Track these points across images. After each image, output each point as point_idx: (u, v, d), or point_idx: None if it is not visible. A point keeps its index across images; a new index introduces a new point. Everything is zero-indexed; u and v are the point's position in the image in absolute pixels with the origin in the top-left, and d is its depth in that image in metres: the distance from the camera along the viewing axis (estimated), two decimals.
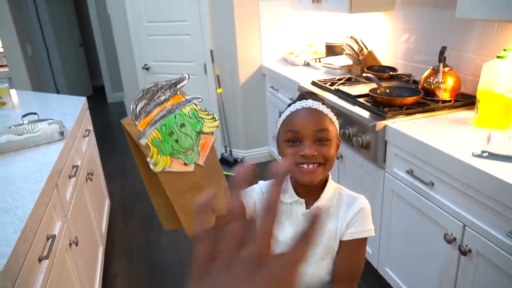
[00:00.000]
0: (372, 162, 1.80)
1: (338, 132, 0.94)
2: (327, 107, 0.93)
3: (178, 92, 0.79)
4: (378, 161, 1.74)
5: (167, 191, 0.80)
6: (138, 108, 0.76)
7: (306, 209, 0.95)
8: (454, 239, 1.38)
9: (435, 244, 1.49)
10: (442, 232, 1.43)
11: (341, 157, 2.09)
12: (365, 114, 1.81)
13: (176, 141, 0.78)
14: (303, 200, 0.96)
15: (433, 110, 1.78)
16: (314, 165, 0.89)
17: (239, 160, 3.46)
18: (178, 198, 0.82)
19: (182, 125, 0.78)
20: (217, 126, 0.81)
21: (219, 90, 3.33)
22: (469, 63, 1.94)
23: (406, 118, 1.72)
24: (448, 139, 1.48)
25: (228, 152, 3.53)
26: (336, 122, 0.94)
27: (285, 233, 0.96)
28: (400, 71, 2.41)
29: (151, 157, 0.76)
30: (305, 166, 0.89)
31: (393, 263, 1.82)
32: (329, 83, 2.35)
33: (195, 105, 0.79)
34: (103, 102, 6.25)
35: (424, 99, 1.86)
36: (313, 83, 2.44)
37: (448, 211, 1.40)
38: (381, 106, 1.81)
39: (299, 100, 0.93)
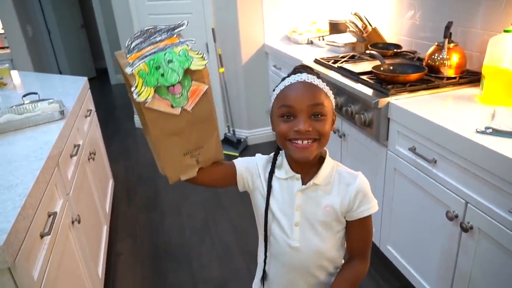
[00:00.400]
0: (374, 140, 1.78)
1: (334, 106, 0.92)
2: (323, 81, 0.90)
3: (175, 35, 0.80)
4: (380, 138, 1.72)
5: (150, 129, 0.82)
6: (133, 44, 0.78)
7: (302, 184, 0.94)
8: (456, 216, 1.37)
9: (437, 222, 1.49)
10: (444, 210, 1.42)
11: (344, 135, 2.07)
12: (368, 91, 1.78)
13: (162, 75, 0.78)
14: (299, 176, 0.95)
15: (437, 87, 1.75)
16: (309, 141, 0.86)
17: (242, 140, 3.45)
18: (161, 138, 0.84)
19: (170, 61, 0.79)
20: (204, 65, 0.81)
21: (221, 70, 3.30)
22: (475, 39, 1.90)
23: (409, 95, 1.69)
24: (451, 116, 1.45)
25: (231, 132, 3.52)
26: (332, 97, 0.91)
27: (280, 208, 0.96)
28: (405, 48, 2.37)
29: (136, 87, 0.78)
30: (299, 142, 0.86)
31: (395, 241, 1.82)
32: (332, 61, 2.31)
33: (187, 45, 0.80)
34: (106, 84, 6.23)
35: (428, 76, 1.83)
36: (316, 61, 2.40)
37: (450, 188, 1.39)
38: (384, 83, 1.78)
39: (294, 74, 0.90)
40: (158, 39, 0.79)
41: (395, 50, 2.32)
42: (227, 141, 3.46)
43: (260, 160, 1.01)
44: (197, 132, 0.87)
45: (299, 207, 0.95)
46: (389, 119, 1.68)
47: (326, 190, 0.94)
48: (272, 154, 1.01)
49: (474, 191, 1.30)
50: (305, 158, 0.88)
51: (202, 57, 0.81)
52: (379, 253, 1.95)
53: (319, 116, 0.86)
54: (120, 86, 5.97)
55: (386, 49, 2.34)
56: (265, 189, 0.97)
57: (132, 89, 0.78)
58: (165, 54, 0.78)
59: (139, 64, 0.77)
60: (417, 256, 1.68)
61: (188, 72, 0.81)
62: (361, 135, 1.90)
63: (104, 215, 2.25)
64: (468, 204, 1.32)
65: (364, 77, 1.92)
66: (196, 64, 0.80)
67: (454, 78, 1.81)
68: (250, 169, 0.99)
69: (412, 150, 1.55)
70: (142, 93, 0.78)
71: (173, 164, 0.88)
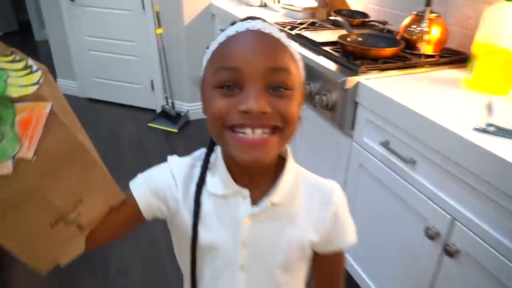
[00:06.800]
0: (337, 127, 1.45)
1: (303, 79, 0.58)
2: (288, 37, 0.55)
3: None
4: (345, 127, 1.40)
5: None
6: None
7: (253, 205, 0.59)
8: (438, 235, 1.08)
9: (411, 238, 1.20)
10: (422, 224, 1.13)
11: (298, 118, 1.73)
12: (332, 66, 1.43)
13: None
14: (246, 191, 0.59)
15: (415, 66, 1.44)
16: (265, 131, 0.52)
17: (182, 114, 3.03)
18: (1, 219, 0.46)
19: None
20: (38, 83, 0.41)
21: (159, 31, 2.81)
22: (455, 10, 1.60)
23: (381, 74, 1.37)
24: (437, 104, 1.14)
25: (170, 104, 3.08)
26: (301, 63, 0.57)
27: (216, 242, 0.60)
28: (373, 18, 2.04)
29: None
30: (248, 131, 0.51)
31: (359, 256, 1.52)
32: (289, 27, 1.93)
33: None
34: (30, 40, 5.44)
35: (404, 52, 1.52)
36: None
37: (432, 198, 1.09)
38: (352, 57, 1.44)
39: (241, 21, 0.54)
40: None
41: (363, 19, 1.99)
42: (165, 115, 3.03)
43: (178, 168, 0.63)
44: (61, 183, 0.49)
45: (246, 243, 0.59)
46: (356, 103, 1.35)
47: (290, 213, 0.61)
48: (199, 152, 0.64)
49: (464, 205, 1.00)
50: (256, 160, 0.52)
51: (26, 66, 0.42)
52: None
53: (282, 89, 0.52)
54: (46, 42, 5.21)
55: (352, 17, 2.00)
56: (191, 211, 0.60)
57: None
58: None
59: None
60: (386, 276, 1.39)
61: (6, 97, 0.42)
62: (321, 120, 1.56)
63: None
64: (455, 221, 1.03)
65: (327, 48, 1.56)
66: (20, 85, 0.42)
67: (433, 56, 1.51)
68: (159, 192, 0.61)
69: (385, 145, 1.23)
70: None
71: (38, 248, 0.50)
